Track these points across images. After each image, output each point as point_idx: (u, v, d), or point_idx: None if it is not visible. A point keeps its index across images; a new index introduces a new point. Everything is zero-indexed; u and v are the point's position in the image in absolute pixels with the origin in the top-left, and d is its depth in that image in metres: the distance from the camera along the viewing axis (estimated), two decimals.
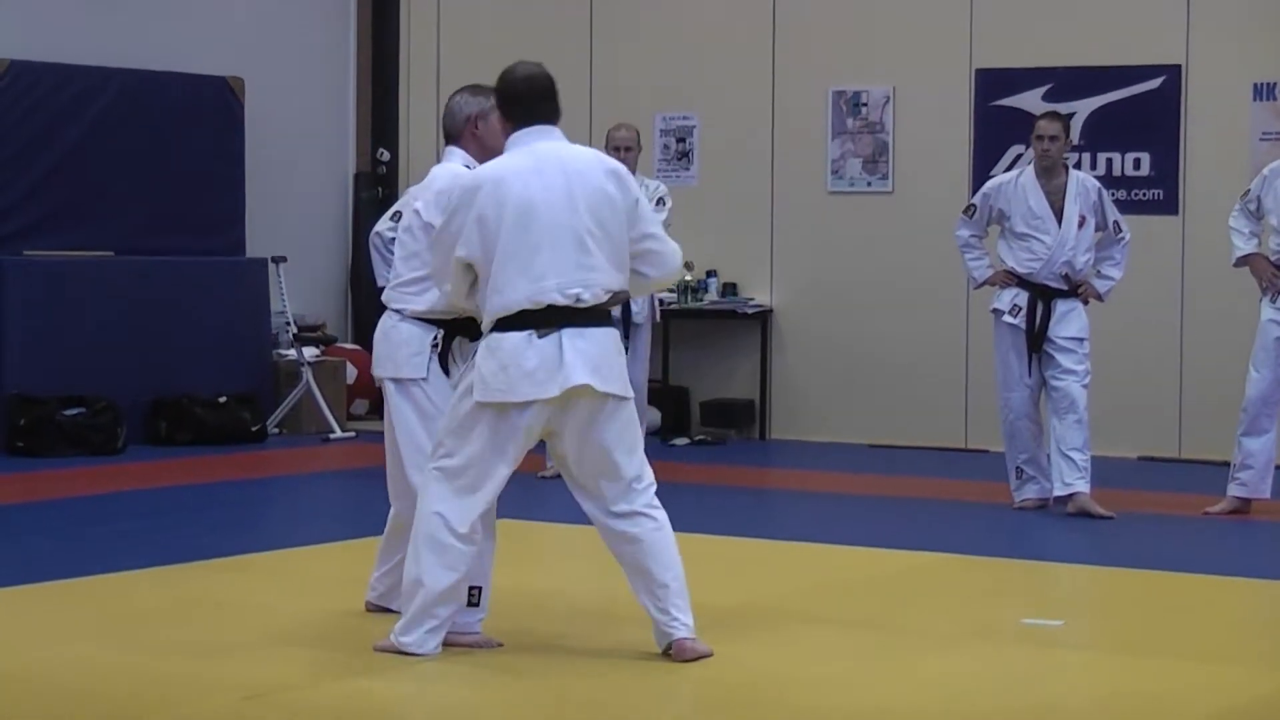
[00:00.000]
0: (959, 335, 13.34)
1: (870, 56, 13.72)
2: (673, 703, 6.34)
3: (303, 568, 8.64)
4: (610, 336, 6.57)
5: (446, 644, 6.64)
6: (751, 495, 11.89)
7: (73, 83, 13.23)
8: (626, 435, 6.57)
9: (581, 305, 6.48)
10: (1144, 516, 10.41)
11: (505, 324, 6.50)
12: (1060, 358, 10.39)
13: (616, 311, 6.81)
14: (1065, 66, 13.05)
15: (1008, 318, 10.48)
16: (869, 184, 13.72)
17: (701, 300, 14.02)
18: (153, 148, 13.60)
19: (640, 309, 11.46)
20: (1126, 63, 12.90)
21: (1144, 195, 12.83)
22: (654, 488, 6.64)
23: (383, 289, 7.30)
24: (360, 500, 10.19)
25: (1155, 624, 7.60)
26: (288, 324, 14.09)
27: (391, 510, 7.21)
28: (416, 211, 7.01)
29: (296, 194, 14.91)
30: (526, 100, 6.63)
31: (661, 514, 6.61)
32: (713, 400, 14.09)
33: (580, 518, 6.87)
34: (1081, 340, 10.43)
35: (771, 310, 14.03)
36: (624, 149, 11.27)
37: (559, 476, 9.80)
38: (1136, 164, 12.90)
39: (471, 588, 6.68)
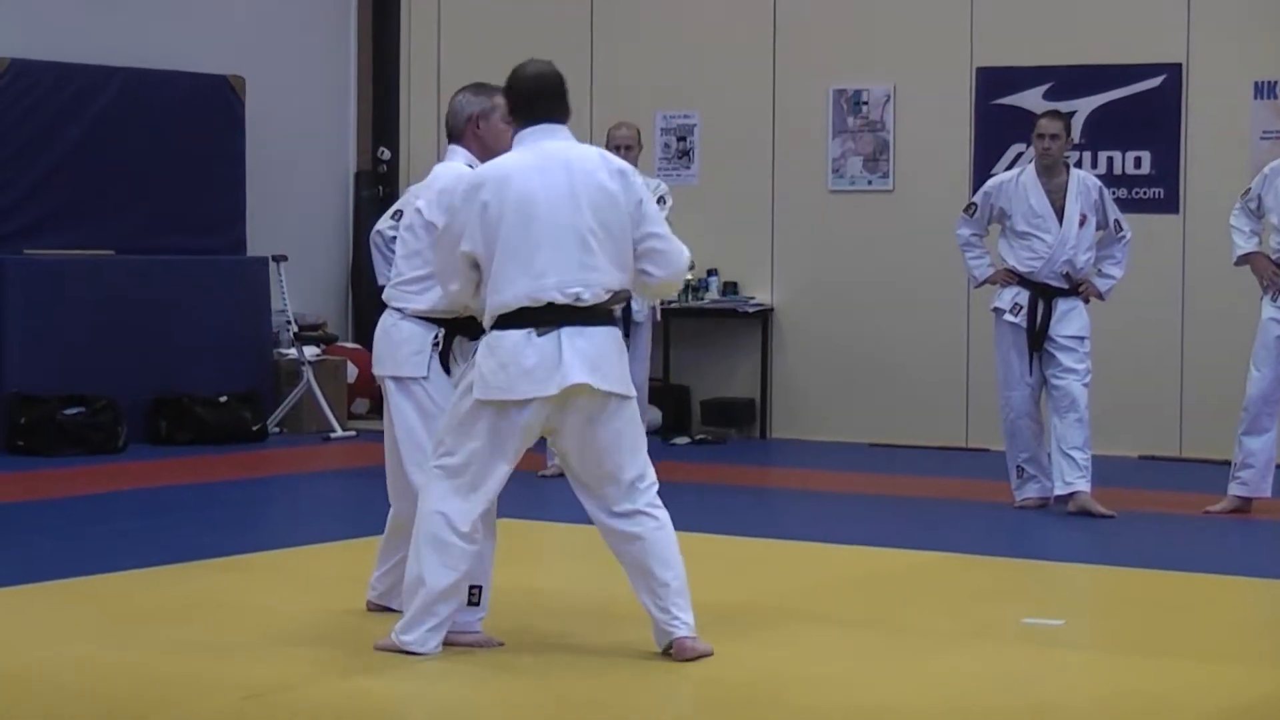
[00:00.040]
0: (960, 334, 13.34)
1: (871, 55, 13.72)
2: (673, 702, 6.34)
3: (303, 567, 8.64)
4: (611, 336, 6.57)
5: (447, 643, 6.64)
6: (752, 494, 11.89)
7: (73, 82, 13.23)
8: (628, 435, 6.57)
9: (582, 304, 6.48)
10: (1145, 515, 10.40)
11: (505, 321, 6.50)
12: (1061, 356, 10.39)
13: (617, 310, 6.79)
14: (1066, 65, 13.04)
15: (1008, 316, 10.48)
16: (870, 183, 13.72)
17: (702, 299, 14.01)
18: (153, 147, 13.60)
19: (641, 308, 11.46)
20: (1127, 61, 12.89)
21: (1144, 194, 12.83)
22: (656, 487, 6.63)
23: (383, 288, 7.29)
24: (361, 499, 10.19)
25: (1156, 623, 7.60)
26: (288, 323, 14.09)
27: (391, 510, 7.21)
28: (418, 210, 7.00)
29: (297, 193, 14.91)
30: (534, 98, 6.63)
31: (663, 513, 6.61)
32: (713, 399, 14.09)
33: (581, 517, 6.87)
34: (1082, 339, 10.42)
35: (772, 309, 14.02)
36: (624, 147, 11.27)
37: (560, 475, 9.80)
38: (1137, 163, 12.90)
39: (472, 587, 6.68)
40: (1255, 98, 12.57)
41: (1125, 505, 10.41)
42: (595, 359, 6.48)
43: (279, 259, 14.10)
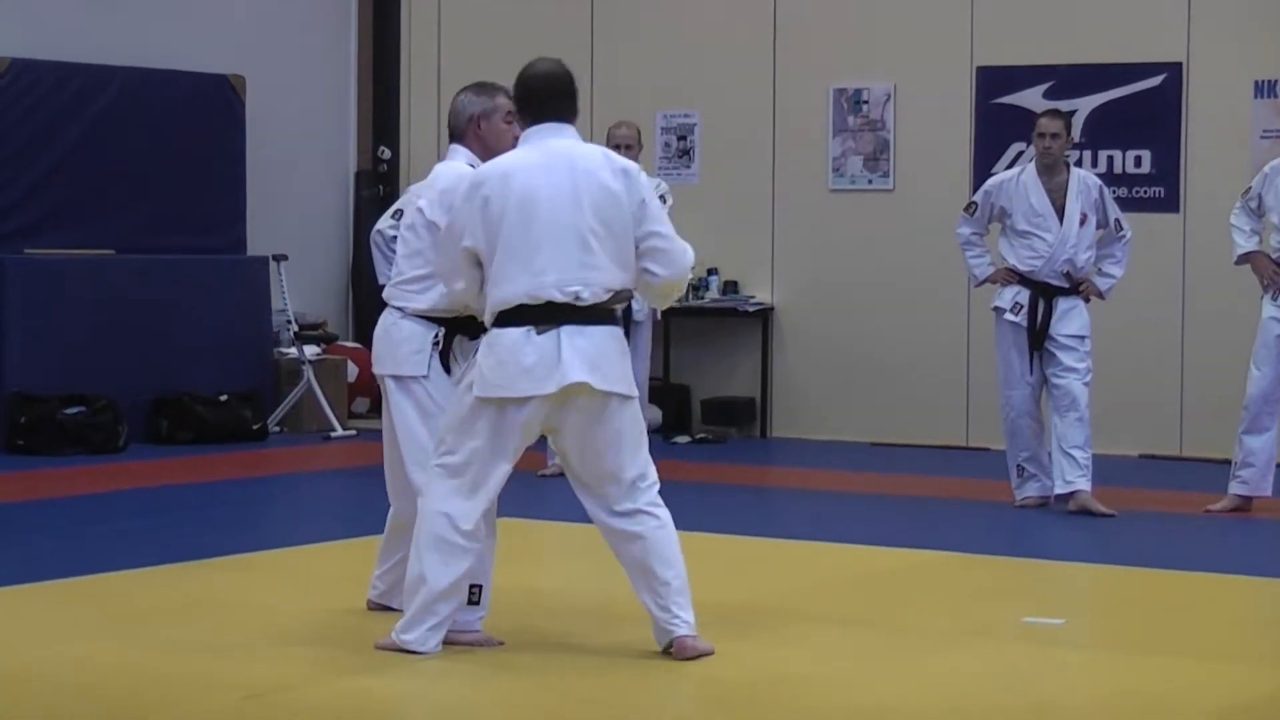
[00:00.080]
0: (960, 333, 13.34)
1: (871, 54, 13.71)
2: (673, 701, 6.33)
3: (304, 566, 8.64)
4: (612, 335, 6.56)
5: (447, 642, 6.64)
6: (752, 493, 11.89)
7: (74, 81, 13.23)
8: (629, 434, 6.56)
9: (581, 303, 6.48)
10: (1145, 514, 10.40)
11: (505, 319, 6.50)
12: (1061, 355, 10.39)
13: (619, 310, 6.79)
14: (1066, 64, 13.04)
15: (1009, 315, 10.48)
16: (870, 182, 13.72)
17: (702, 298, 14.01)
18: (154, 146, 13.60)
19: (641, 307, 11.45)
20: (1127, 60, 12.89)
21: (1145, 193, 12.83)
22: (657, 486, 6.63)
23: (384, 287, 7.29)
24: (361, 499, 10.18)
25: (1156, 622, 7.60)
26: (289, 322, 14.09)
27: (391, 509, 7.21)
28: (420, 210, 7.00)
29: (297, 192, 14.91)
30: (541, 97, 6.64)
31: (664, 512, 6.60)
32: (714, 398, 14.09)
33: (581, 516, 6.87)
34: (1083, 338, 10.42)
35: (772, 308, 14.02)
36: (625, 146, 11.26)
37: (560, 474, 9.80)
38: (1137, 161, 12.90)
39: (472, 586, 6.68)
40: (1255, 97, 12.56)
41: (1125, 504, 10.41)
42: (595, 358, 6.48)
43: (279, 258, 14.10)
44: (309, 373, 13.85)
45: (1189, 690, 6.40)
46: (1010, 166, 11.88)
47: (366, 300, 14.73)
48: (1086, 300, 10.48)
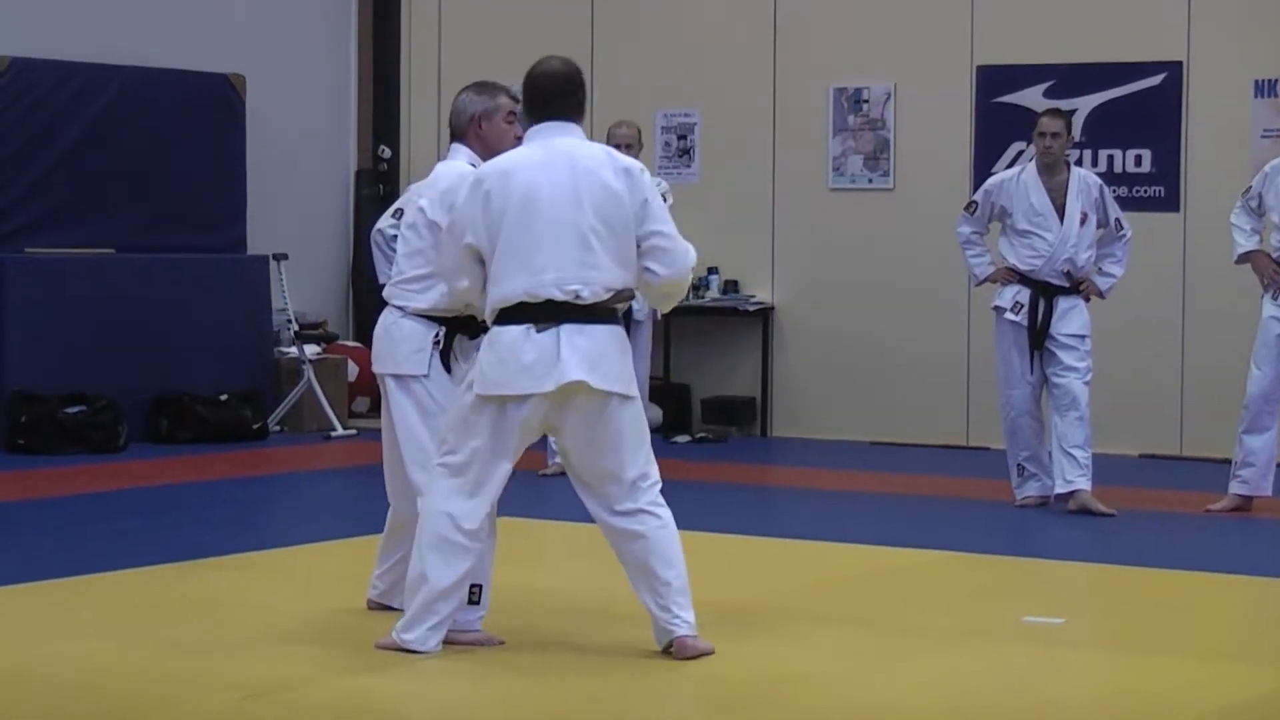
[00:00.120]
0: (960, 332, 13.34)
1: (871, 53, 13.71)
2: (673, 700, 6.33)
3: (304, 566, 8.64)
4: (612, 334, 6.56)
5: (447, 642, 6.64)
6: (753, 493, 11.89)
7: (74, 80, 13.23)
8: (630, 434, 6.56)
9: (581, 302, 6.47)
10: (1145, 514, 10.40)
11: (505, 317, 6.51)
12: (1062, 355, 10.39)
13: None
14: (1066, 63, 13.04)
15: (1009, 315, 10.48)
16: (870, 181, 13.72)
17: (703, 297, 14.01)
18: (154, 145, 13.60)
19: (641, 306, 11.45)
20: (1128, 59, 12.89)
21: (1145, 192, 12.83)
22: (659, 486, 6.62)
23: (384, 286, 7.29)
24: (361, 498, 10.18)
25: (1156, 622, 7.60)
26: (289, 321, 14.09)
27: (390, 508, 7.20)
28: (421, 209, 7.00)
29: (297, 191, 14.91)
30: (546, 95, 6.64)
31: (666, 512, 6.60)
32: (714, 397, 14.09)
33: (581, 515, 6.87)
34: (1083, 337, 10.42)
35: (773, 307, 14.02)
36: (625, 146, 11.26)
37: (561, 474, 9.80)
38: (1138, 161, 12.90)
39: (472, 586, 6.68)
40: (1256, 96, 12.56)
41: (1126, 504, 10.41)
42: (594, 357, 6.47)
43: (279, 257, 14.10)
44: (309, 372, 13.85)
45: (1189, 690, 6.40)
46: (1010, 166, 11.87)
47: (367, 299, 14.73)
48: (1087, 299, 10.48)
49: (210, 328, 13.64)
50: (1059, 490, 10.32)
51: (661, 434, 13.54)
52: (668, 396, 13.90)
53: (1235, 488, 10.36)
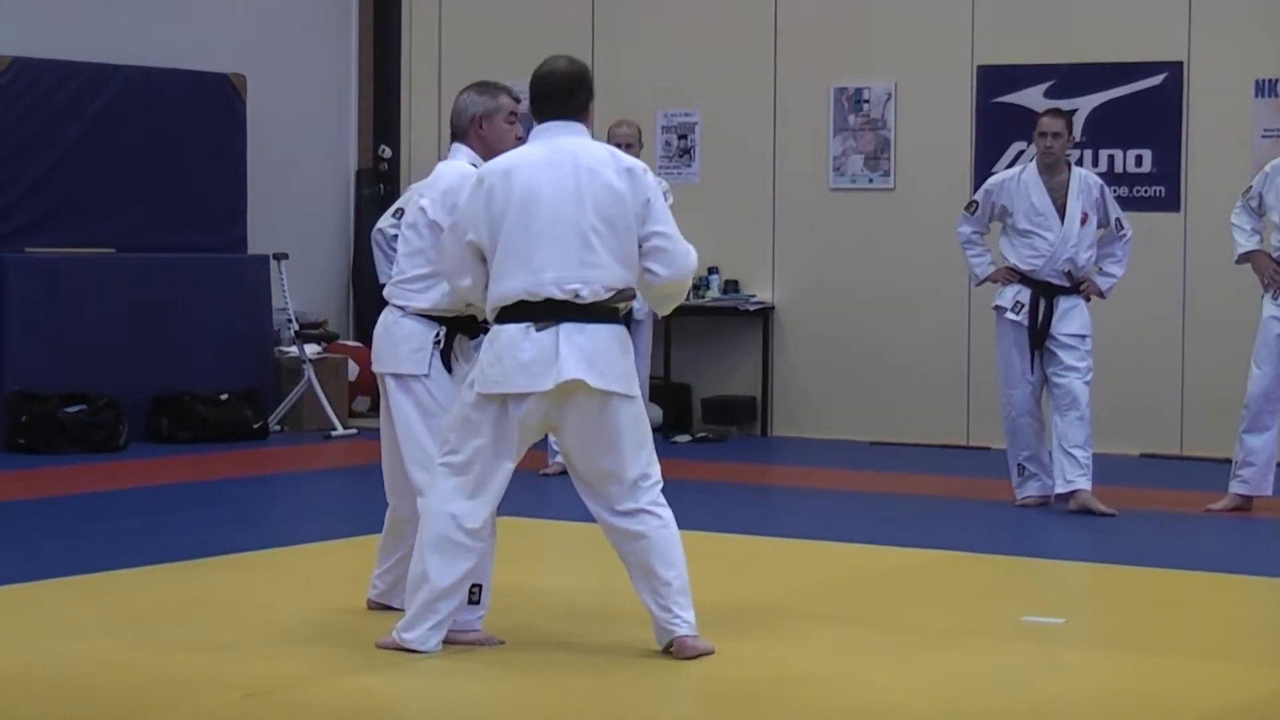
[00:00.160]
0: (960, 332, 13.34)
1: (872, 53, 13.71)
2: (674, 700, 6.34)
3: (304, 565, 8.64)
4: (613, 334, 6.56)
5: (448, 642, 6.64)
6: (753, 492, 11.90)
7: (74, 80, 13.23)
8: (630, 433, 6.55)
9: (581, 301, 6.47)
10: (1145, 514, 10.40)
11: (505, 315, 6.51)
12: (1062, 354, 10.39)
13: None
14: (1067, 63, 13.04)
15: (1010, 314, 10.48)
16: (870, 181, 13.72)
17: (703, 297, 14.01)
18: (154, 145, 13.60)
19: (642, 305, 11.45)
20: (1128, 59, 12.89)
21: (1145, 192, 12.83)
22: (660, 485, 6.61)
23: (384, 285, 7.29)
24: (362, 497, 10.18)
25: (1156, 621, 7.60)
26: (289, 321, 14.09)
27: (390, 508, 7.20)
28: (422, 209, 7.00)
29: (298, 191, 14.91)
30: (548, 95, 6.65)
31: (667, 512, 6.59)
32: (714, 397, 14.09)
33: (582, 515, 6.87)
34: (1083, 337, 10.42)
35: (773, 307, 14.02)
36: (625, 145, 11.26)
37: (562, 473, 9.79)
38: (1138, 161, 12.90)
39: (472, 586, 6.68)
40: (1256, 96, 12.56)
41: (1126, 503, 10.41)
42: (593, 356, 6.47)
43: (280, 257, 14.10)
44: (309, 371, 13.85)
45: (1189, 689, 6.40)
46: (1011, 165, 11.87)
47: (367, 299, 14.73)
48: (1087, 299, 10.48)
49: (210, 327, 13.64)
50: (1059, 490, 10.32)
51: (662, 434, 13.54)
52: (668, 396, 13.90)
53: (1235, 487, 10.36)
